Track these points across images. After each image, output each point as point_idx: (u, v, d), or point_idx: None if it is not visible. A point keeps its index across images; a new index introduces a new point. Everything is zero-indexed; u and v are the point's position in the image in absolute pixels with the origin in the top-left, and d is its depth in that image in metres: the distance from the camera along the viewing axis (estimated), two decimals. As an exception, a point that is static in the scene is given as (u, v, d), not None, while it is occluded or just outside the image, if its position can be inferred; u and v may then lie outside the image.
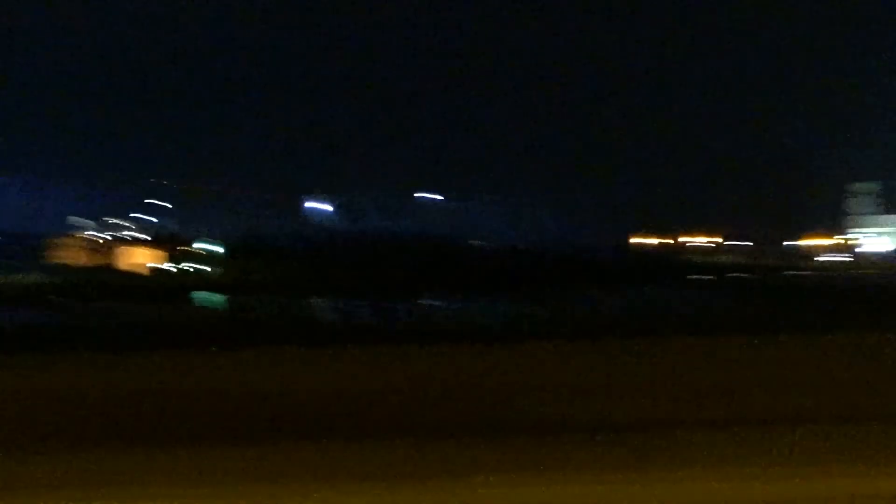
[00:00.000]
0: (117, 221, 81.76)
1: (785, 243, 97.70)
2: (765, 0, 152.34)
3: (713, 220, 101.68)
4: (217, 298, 54.04)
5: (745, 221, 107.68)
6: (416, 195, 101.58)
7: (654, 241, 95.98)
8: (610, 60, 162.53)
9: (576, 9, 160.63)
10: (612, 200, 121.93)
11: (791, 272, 73.30)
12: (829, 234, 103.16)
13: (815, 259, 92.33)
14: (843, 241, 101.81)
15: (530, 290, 49.96)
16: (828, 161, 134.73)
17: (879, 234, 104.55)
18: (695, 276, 62.28)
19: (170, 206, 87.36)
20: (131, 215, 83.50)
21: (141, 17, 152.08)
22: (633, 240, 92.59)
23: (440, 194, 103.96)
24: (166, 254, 71.65)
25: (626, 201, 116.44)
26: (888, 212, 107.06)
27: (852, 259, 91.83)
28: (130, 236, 76.99)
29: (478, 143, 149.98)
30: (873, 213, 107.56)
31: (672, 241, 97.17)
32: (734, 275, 72.88)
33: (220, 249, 70.47)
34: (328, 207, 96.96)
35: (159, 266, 71.04)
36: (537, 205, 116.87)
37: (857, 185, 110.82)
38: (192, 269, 68.30)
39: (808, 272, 72.60)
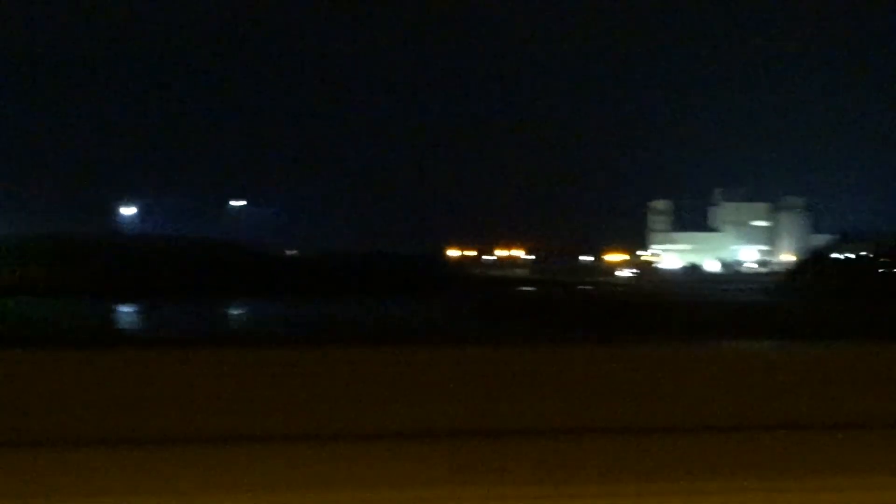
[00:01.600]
0: None
1: (582, 258, 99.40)
2: (571, 25, 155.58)
3: (527, 235, 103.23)
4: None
5: (555, 236, 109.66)
6: (231, 203, 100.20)
7: (462, 252, 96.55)
8: (419, 76, 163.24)
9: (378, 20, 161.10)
10: (435, 212, 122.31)
11: (581, 286, 73.78)
12: (629, 251, 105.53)
13: (615, 274, 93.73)
14: (639, 258, 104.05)
15: (321, 295, 49.33)
16: (631, 179, 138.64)
17: (673, 250, 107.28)
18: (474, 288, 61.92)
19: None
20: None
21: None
22: (450, 251, 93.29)
23: (258, 203, 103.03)
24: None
25: (448, 212, 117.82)
26: (681, 229, 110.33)
27: (642, 274, 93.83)
28: None
29: (304, 154, 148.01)
30: (667, 231, 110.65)
31: (476, 254, 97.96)
32: (523, 288, 73.10)
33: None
34: (132, 211, 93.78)
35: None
36: (363, 216, 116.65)
37: (654, 203, 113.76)
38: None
39: (592, 287, 73.26)
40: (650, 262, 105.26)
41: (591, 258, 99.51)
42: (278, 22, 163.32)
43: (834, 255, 77.35)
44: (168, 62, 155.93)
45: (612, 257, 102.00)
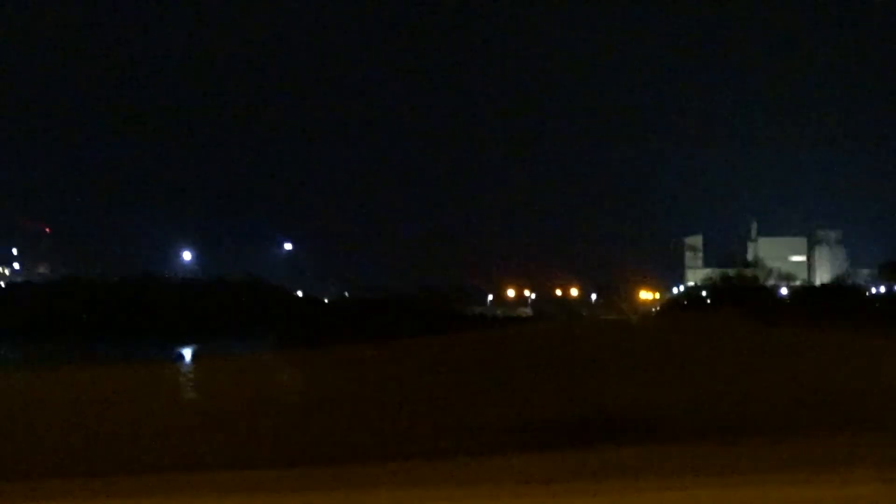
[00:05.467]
0: None
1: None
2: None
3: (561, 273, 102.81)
4: None
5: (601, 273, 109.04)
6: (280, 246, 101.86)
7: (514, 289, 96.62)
8: (457, 121, 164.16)
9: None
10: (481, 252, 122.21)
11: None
12: (661, 287, 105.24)
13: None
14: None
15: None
16: (665, 214, 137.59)
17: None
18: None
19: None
20: None
21: None
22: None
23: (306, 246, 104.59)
24: None
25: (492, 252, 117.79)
26: (715, 265, 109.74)
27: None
28: None
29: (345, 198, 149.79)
30: (701, 266, 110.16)
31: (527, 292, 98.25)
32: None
33: None
34: (190, 256, 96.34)
35: None
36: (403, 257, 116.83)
37: (689, 239, 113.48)
38: None
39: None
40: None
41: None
42: (327, 80, 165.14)
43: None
44: (225, 121, 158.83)
45: (644, 294, 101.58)
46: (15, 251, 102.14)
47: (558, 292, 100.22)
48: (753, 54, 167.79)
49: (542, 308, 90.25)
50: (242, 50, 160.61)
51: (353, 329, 49.53)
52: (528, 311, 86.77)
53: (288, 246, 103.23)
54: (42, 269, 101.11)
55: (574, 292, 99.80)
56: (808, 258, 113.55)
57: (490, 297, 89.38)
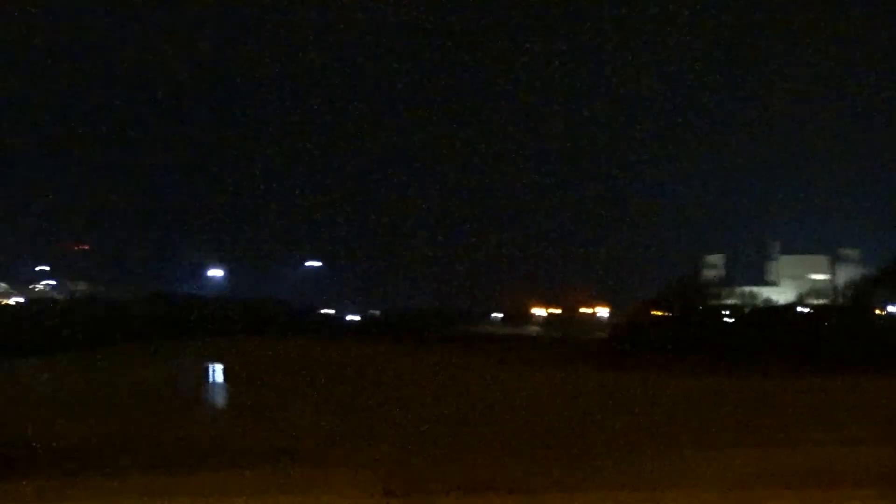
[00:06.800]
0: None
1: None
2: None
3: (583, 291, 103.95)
4: None
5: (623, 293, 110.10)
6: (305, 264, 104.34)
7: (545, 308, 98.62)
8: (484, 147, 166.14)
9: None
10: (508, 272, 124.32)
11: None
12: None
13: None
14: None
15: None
16: (685, 232, 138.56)
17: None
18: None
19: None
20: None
21: None
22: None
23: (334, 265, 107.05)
24: None
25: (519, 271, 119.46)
26: (736, 283, 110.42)
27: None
28: None
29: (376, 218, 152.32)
30: (721, 285, 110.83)
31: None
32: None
33: None
34: (220, 273, 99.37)
35: None
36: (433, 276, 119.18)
37: (708, 258, 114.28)
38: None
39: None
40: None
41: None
42: (362, 104, 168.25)
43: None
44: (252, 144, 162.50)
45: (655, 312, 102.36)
46: (47, 267, 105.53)
47: (586, 310, 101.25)
48: (779, 73, 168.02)
49: (563, 326, 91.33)
50: (274, 75, 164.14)
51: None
52: (537, 329, 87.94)
53: (313, 263, 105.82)
54: (81, 287, 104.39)
55: (603, 312, 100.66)
56: (832, 276, 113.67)
57: (499, 314, 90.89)
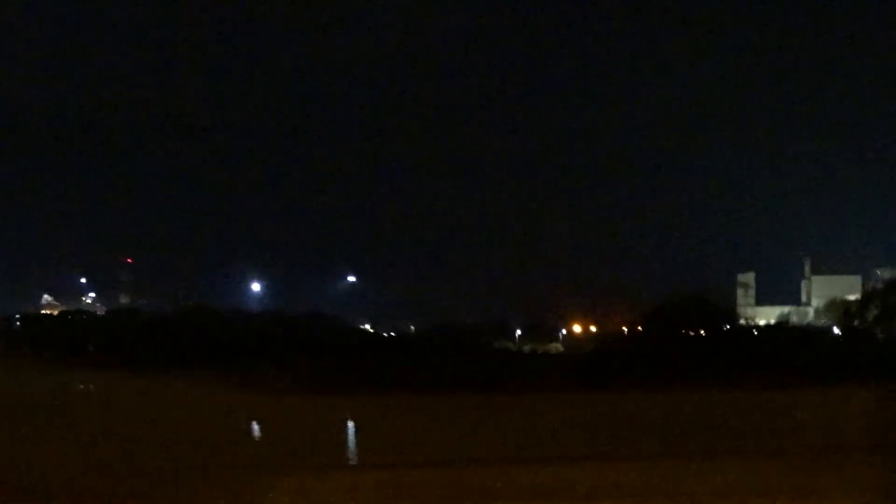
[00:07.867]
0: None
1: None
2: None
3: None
4: None
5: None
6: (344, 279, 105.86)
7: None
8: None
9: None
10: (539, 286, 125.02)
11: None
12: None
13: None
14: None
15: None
16: (718, 251, 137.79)
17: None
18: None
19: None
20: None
21: None
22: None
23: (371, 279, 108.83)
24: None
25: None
26: (768, 303, 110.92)
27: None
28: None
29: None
30: (753, 305, 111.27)
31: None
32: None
33: None
34: (258, 287, 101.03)
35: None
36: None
37: (741, 277, 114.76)
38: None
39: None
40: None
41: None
42: (402, 118, 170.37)
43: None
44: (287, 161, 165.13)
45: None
46: (84, 280, 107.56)
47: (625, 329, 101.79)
48: (812, 91, 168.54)
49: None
50: (312, 91, 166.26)
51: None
52: (559, 346, 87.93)
53: (352, 279, 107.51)
54: (124, 300, 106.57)
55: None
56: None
57: (518, 331, 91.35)
